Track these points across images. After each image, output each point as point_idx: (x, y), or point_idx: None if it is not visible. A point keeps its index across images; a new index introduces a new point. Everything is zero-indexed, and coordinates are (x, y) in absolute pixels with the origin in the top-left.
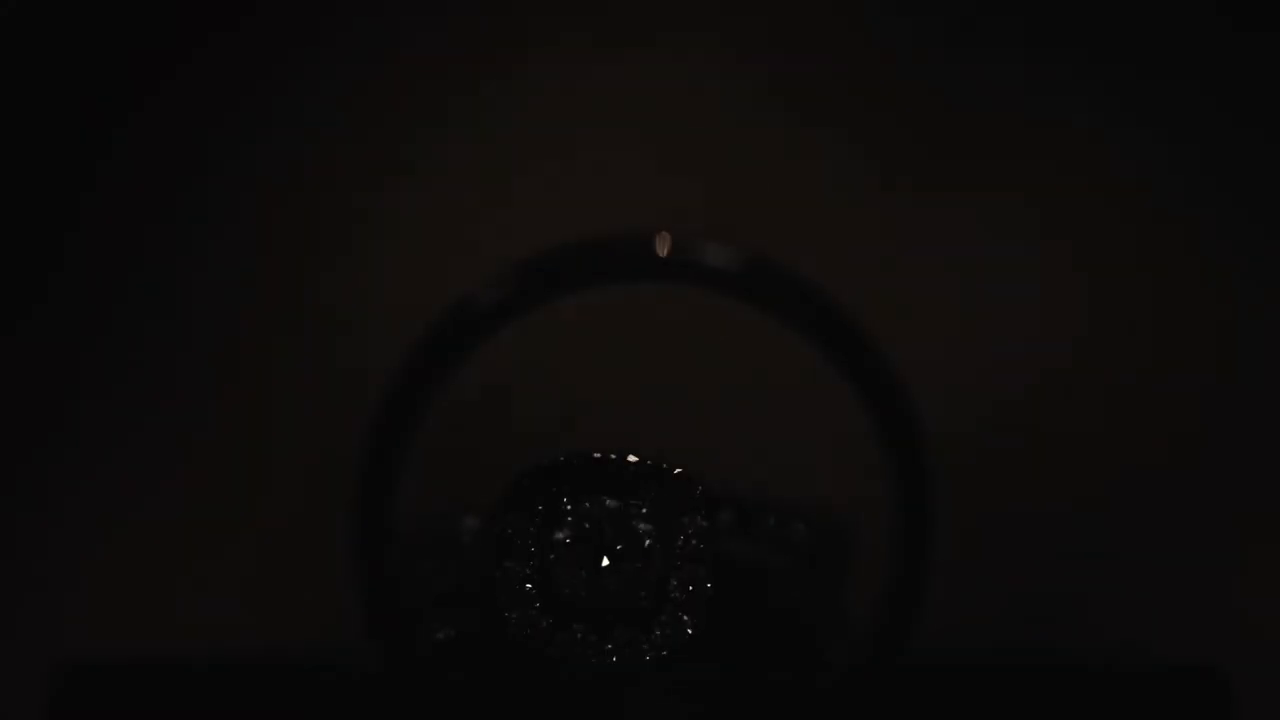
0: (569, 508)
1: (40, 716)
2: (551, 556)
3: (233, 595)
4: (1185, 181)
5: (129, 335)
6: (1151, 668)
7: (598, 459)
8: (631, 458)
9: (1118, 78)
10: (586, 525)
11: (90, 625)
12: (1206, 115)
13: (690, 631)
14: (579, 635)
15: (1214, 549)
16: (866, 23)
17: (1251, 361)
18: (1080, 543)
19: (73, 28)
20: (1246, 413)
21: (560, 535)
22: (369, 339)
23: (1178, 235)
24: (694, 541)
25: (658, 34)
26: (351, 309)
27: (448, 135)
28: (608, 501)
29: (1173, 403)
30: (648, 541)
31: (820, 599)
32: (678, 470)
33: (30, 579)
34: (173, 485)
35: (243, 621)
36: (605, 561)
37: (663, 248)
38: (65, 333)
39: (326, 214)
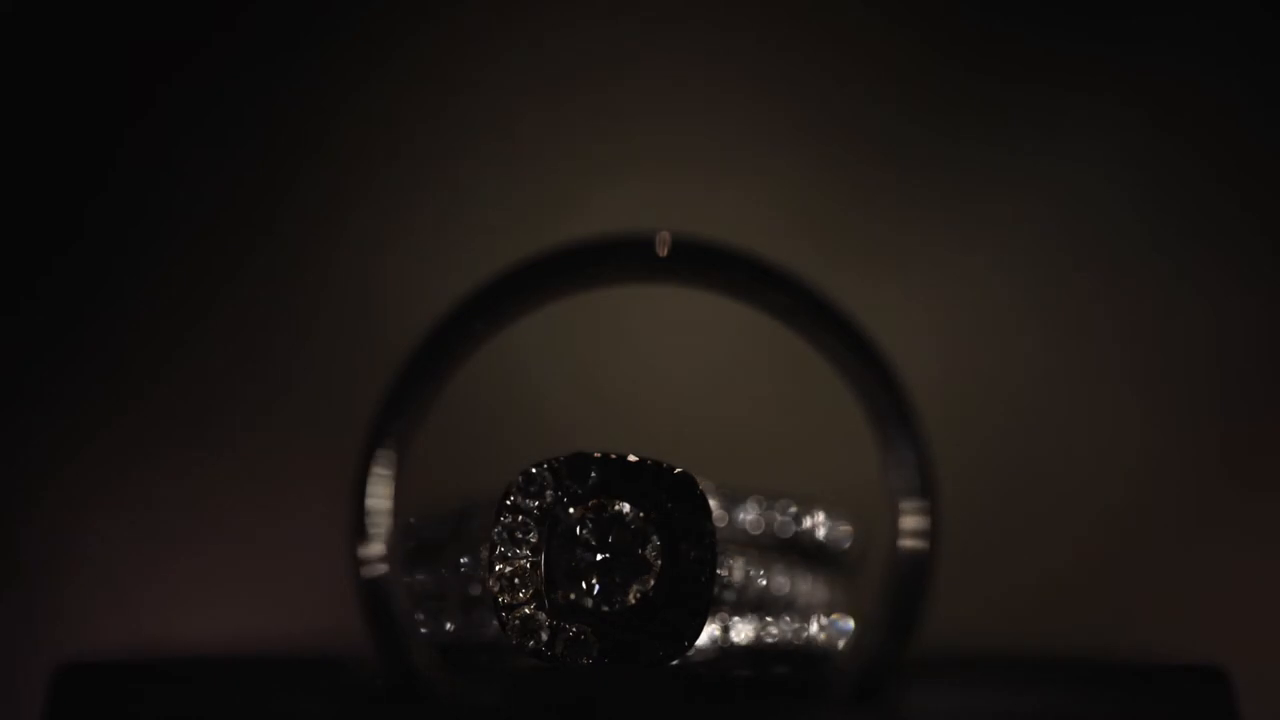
0: (569, 508)
1: (40, 716)
2: (552, 556)
3: (233, 595)
4: (1187, 185)
5: (129, 337)
6: (1152, 666)
7: (598, 459)
8: (631, 458)
9: (1109, 85)
10: (586, 525)
11: (90, 625)
12: (1205, 122)
13: (690, 631)
14: (579, 635)
15: (1214, 549)
16: (862, 29)
17: (1250, 361)
18: (1082, 543)
19: (73, 27)
20: (1245, 413)
21: (560, 535)
22: (369, 339)
23: (1172, 240)
24: (694, 541)
25: (659, 40)
26: (350, 309)
27: (451, 134)
28: (608, 501)
29: (1172, 404)
30: (648, 541)
31: (822, 596)
32: (678, 470)
33: (30, 579)
34: (173, 486)
35: (243, 621)
36: (605, 561)
37: (663, 248)
38: (65, 334)
39: (328, 213)
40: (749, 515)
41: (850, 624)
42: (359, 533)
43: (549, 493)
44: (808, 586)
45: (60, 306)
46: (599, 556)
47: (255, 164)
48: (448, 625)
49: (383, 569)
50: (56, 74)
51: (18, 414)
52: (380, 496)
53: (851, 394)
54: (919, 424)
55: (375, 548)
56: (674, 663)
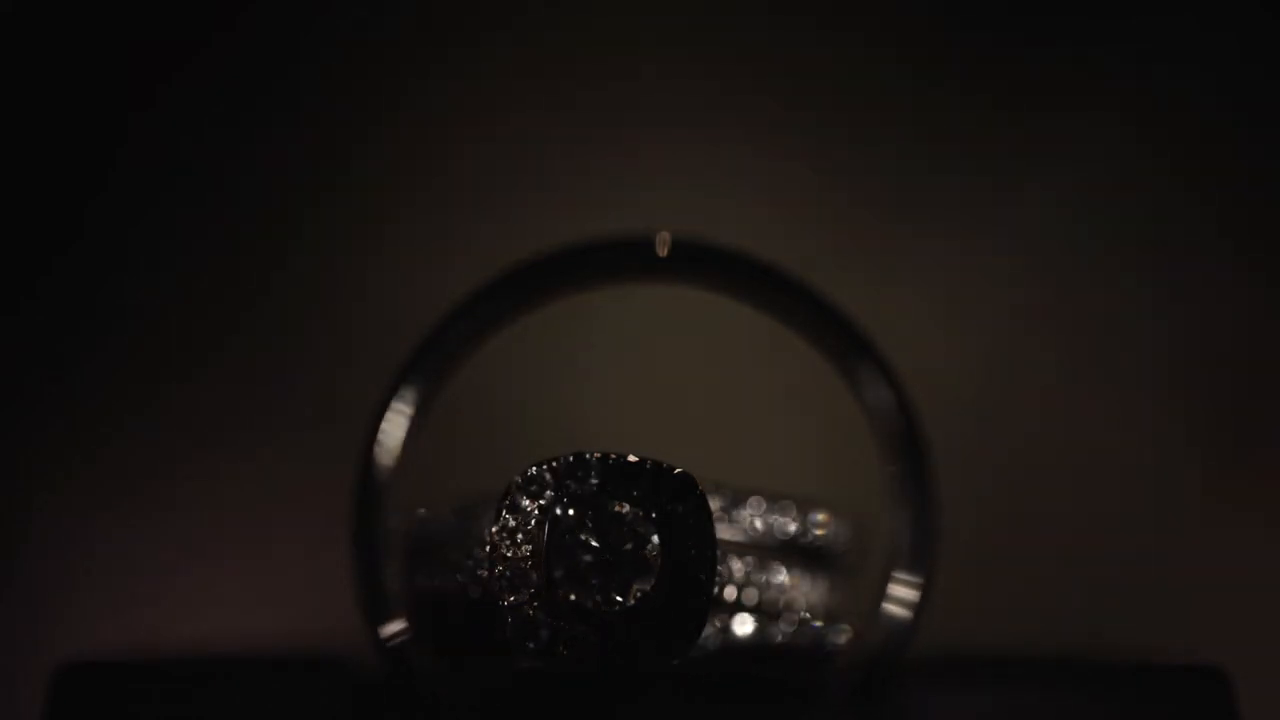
0: (569, 508)
1: (40, 716)
2: (552, 556)
3: (233, 595)
4: (1185, 188)
5: (131, 337)
6: (1152, 666)
7: (598, 459)
8: (631, 458)
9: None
10: (586, 525)
11: (90, 625)
12: (1206, 126)
13: (690, 631)
14: (579, 635)
15: (1214, 549)
16: (865, 32)
17: (1250, 363)
18: (1082, 543)
19: (73, 27)
20: (1246, 413)
21: (560, 535)
22: (370, 339)
23: (1169, 237)
24: (694, 541)
25: (661, 43)
26: (352, 309)
27: (452, 135)
28: (608, 501)
29: (1172, 405)
30: (648, 541)
31: (821, 596)
32: (678, 470)
33: (30, 579)
34: (173, 486)
35: (243, 621)
36: (605, 561)
37: (663, 248)
38: (67, 334)
39: (329, 214)
40: (750, 515)
41: (845, 630)
42: (360, 534)
43: (549, 493)
44: (807, 587)
45: (63, 309)
46: (599, 556)
47: (256, 166)
48: (448, 625)
49: (383, 570)
50: (56, 74)
51: (19, 415)
52: (381, 498)
53: (852, 395)
54: (920, 427)
55: (375, 549)
56: (674, 663)
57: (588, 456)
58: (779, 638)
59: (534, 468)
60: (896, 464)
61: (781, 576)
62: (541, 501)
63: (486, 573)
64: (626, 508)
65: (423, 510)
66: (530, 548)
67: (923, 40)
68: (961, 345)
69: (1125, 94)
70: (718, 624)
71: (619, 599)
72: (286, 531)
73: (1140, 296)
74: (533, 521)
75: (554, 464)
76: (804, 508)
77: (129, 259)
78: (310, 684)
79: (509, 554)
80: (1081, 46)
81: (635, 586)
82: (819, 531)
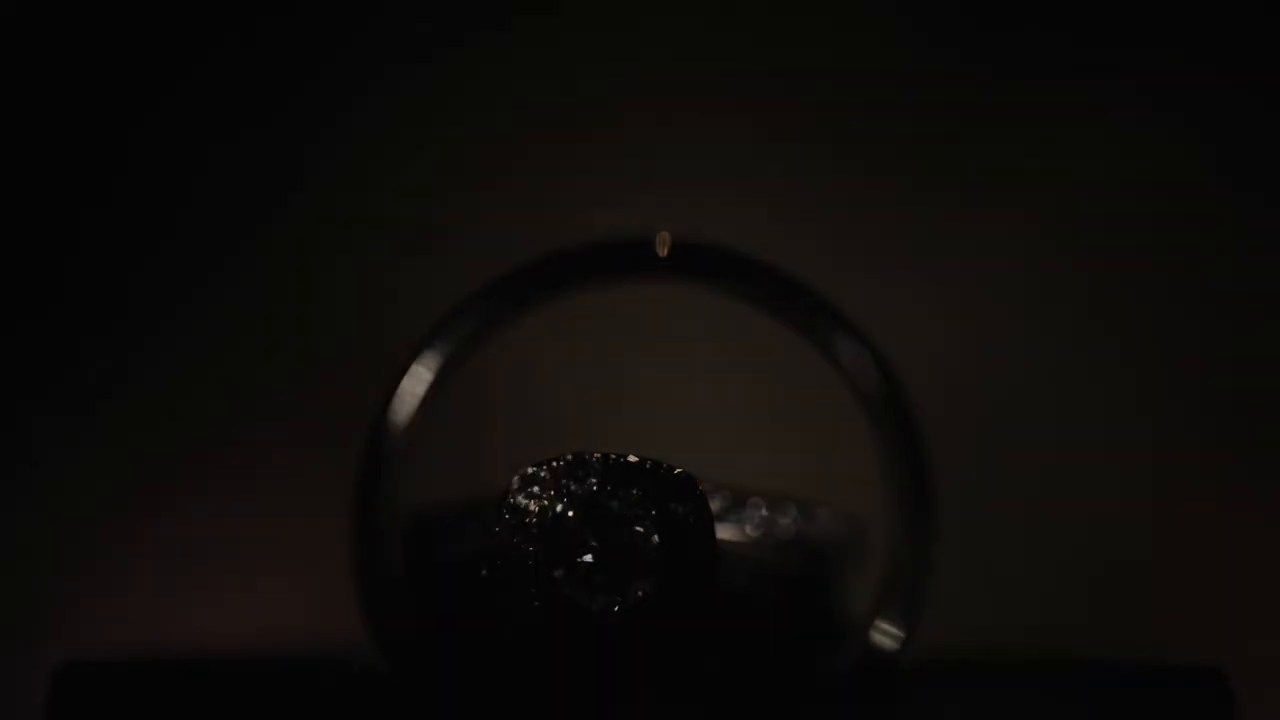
0: (569, 508)
1: (40, 716)
2: (552, 557)
3: (234, 595)
4: (1187, 187)
5: (131, 336)
6: (1152, 666)
7: (598, 459)
8: (631, 458)
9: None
10: (586, 525)
11: (90, 625)
12: (1212, 125)
13: (690, 631)
14: (578, 635)
15: (1215, 549)
16: (867, 25)
17: (1251, 361)
18: (1081, 542)
19: (77, 29)
20: (1245, 413)
21: (560, 535)
22: (370, 340)
23: (1177, 233)
24: (694, 541)
25: (661, 41)
26: (353, 312)
27: (452, 135)
28: (608, 501)
29: (1171, 403)
30: (648, 541)
31: (821, 597)
32: (678, 470)
33: (30, 579)
34: (173, 486)
35: (243, 621)
36: (605, 561)
37: (663, 248)
38: (67, 334)
39: (328, 213)
40: (751, 516)
41: (844, 630)
42: (359, 534)
43: (549, 493)
44: (807, 587)
45: (62, 310)
46: (599, 556)
47: (257, 167)
48: (447, 625)
49: (384, 569)
50: (58, 77)
51: (19, 416)
52: (381, 498)
53: (850, 394)
54: (917, 424)
55: (376, 548)
56: (674, 663)
57: (588, 456)
58: (778, 637)
59: (534, 468)
60: (894, 467)
61: (782, 576)
62: (542, 501)
63: (486, 574)
64: (626, 508)
65: (423, 511)
66: (530, 548)
67: (923, 39)
68: (962, 346)
69: (1125, 93)
70: (717, 624)
71: (619, 599)
72: (287, 530)
73: (1144, 298)
74: (533, 521)
75: (554, 464)
76: (804, 508)
77: (129, 260)
78: (310, 684)
79: (509, 554)
80: (1082, 46)
81: (635, 586)
82: (819, 532)
